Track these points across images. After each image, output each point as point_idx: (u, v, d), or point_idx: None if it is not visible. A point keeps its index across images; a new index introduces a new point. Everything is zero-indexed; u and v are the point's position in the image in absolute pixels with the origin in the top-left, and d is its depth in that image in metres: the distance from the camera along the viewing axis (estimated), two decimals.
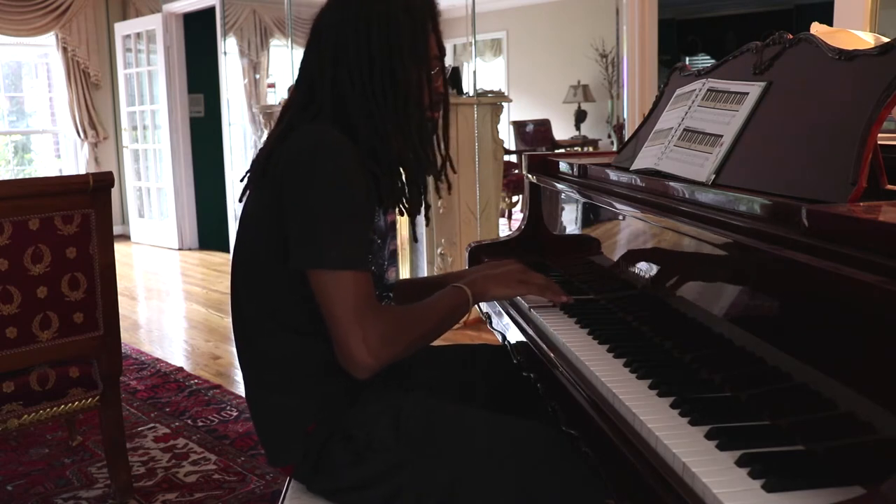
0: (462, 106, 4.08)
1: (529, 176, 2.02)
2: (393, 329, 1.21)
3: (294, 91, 1.38)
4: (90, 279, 2.05)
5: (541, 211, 2.01)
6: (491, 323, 1.69)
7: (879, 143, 1.02)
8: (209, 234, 6.92)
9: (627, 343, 1.28)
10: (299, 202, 1.21)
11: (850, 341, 0.84)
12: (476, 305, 1.54)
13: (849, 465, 0.82)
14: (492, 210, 4.26)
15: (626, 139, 1.79)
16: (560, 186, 1.83)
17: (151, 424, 2.84)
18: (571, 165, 1.79)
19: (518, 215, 7.55)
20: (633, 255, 1.45)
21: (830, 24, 2.62)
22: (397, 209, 1.42)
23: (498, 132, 4.30)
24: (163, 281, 5.84)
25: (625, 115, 5.00)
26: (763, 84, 1.23)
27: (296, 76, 1.41)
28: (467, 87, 4.53)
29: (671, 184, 1.29)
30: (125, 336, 3.56)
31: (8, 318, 1.92)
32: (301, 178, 1.21)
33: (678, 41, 10.03)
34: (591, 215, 1.70)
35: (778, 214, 0.98)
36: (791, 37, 1.25)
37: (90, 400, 2.12)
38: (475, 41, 4.75)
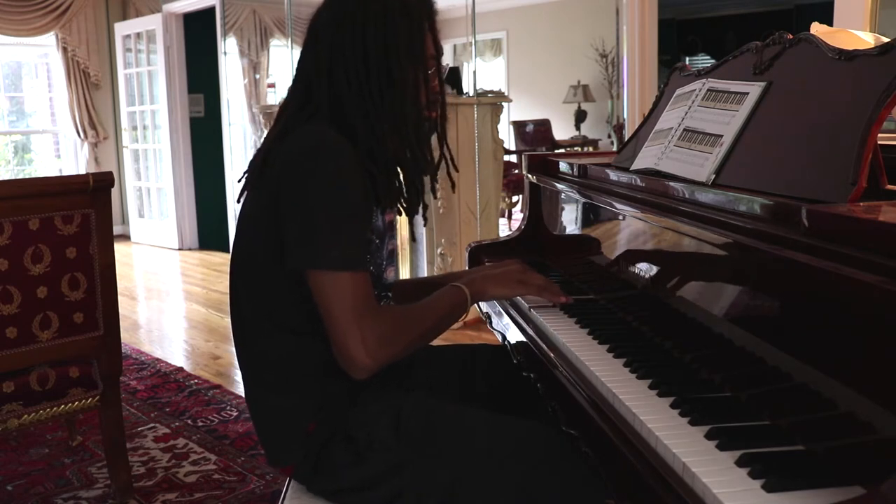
0: (462, 106, 4.08)
1: (529, 176, 2.02)
2: (391, 329, 1.21)
3: (291, 91, 1.38)
4: (90, 279, 2.05)
5: (541, 211, 2.01)
6: (491, 323, 1.69)
7: (879, 143, 1.02)
8: (209, 234, 6.93)
9: (627, 343, 1.28)
10: (297, 203, 1.21)
11: (850, 341, 0.84)
12: (476, 305, 1.54)
13: (849, 465, 0.82)
14: (492, 210, 4.26)
15: (626, 139, 1.79)
16: (560, 186, 1.83)
17: (151, 424, 2.85)
18: (571, 165, 1.79)
19: (518, 215, 7.55)
20: (633, 255, 1.45)
21: (830, 24, 2.62)
22: (395, 209, 1.42)
23: (498, 132, 4.30)
24: (163, 281, 5.84)
25: (625, 115, 5.00)
26: (763, 84, 1.23)
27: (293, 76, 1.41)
28: (467, 87, 4.53)
29: (671, 184, 1.29)
30: (125, 336, 3.56)
31: (8, 318, 1.92)
32: (298, 178, 1.21)
33: (678, 41, 10.03)
34: (591, 215, 1.70)
35: (778, 214, 0.98)
36: (791, 37, 1.25)
37: (90, 400, 2.12)
38: (475, 41, 4.75)
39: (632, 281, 1.42)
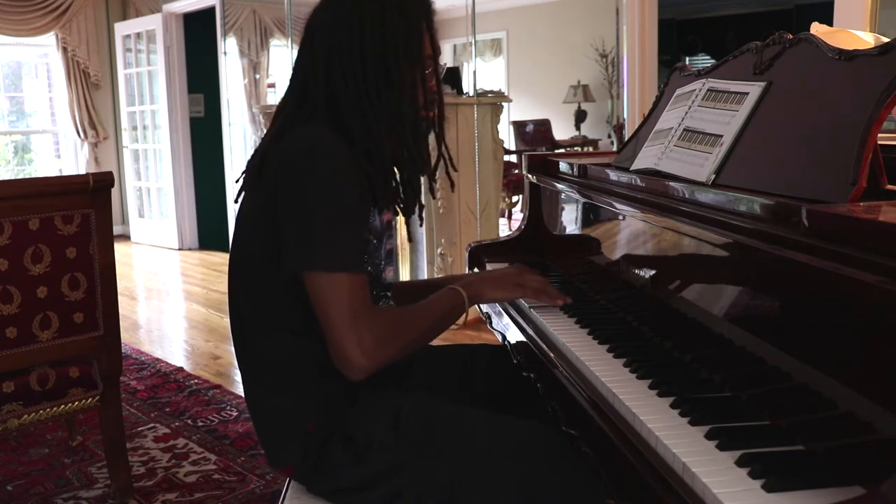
0: (462, 106, 4.08)
1: (529, 176, 2.02)
2: (388, 331, 1.21)
3: (288, 91, 1.37)
4: (90, 279, 2.05)
5: (541, 211, 2.01)
6: (491, 323, 1.69)
7: (879, 143, 1.02)
8: (209, 234, 6.92)
9: (627, 343, 1.28)
10: (294, 204, 1.21)
11: (850, 341, 0.84)
12: (476, 305, 1.54)
13: (849, 465, 0.82)
14: (492, 210, 4.26)
15: (626, 139, 1.79)
16: (560, 186, 1.83)
17: (151, 424, 2.84)
18: (571, 165, 1.79)
19: (518, 215, 7.55)
20: (633, 255, 1.45)
21: (830, 24, 2.62)
22: (393, 209, 1.42)
23: (498, 132, 4.29)
24: (163, 281, 5.84)
25: (625, 115, 5.00)
26: (763, 84, 1.23)
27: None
28: (467, 87, 4.53)
29: (671, 184, 1.29)
30: (125, 336, 3.56)
31: (8, 318, 1.92)
32: (295, 179, 1.21)
33: (678, 41, 10.03)
34: (591, 215, 1.70)
35: (778, 214, 0.98)
36: (791, 37, 1.25)
37: (90, 400, 2.12)
38: (475, 41, 4.75)
39: (632, 281, 1.42)
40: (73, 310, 2.03)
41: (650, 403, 1.03)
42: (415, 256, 4.09)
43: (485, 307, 1.71)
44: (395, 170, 1.35)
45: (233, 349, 1.41)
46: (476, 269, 2.01)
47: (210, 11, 6.40)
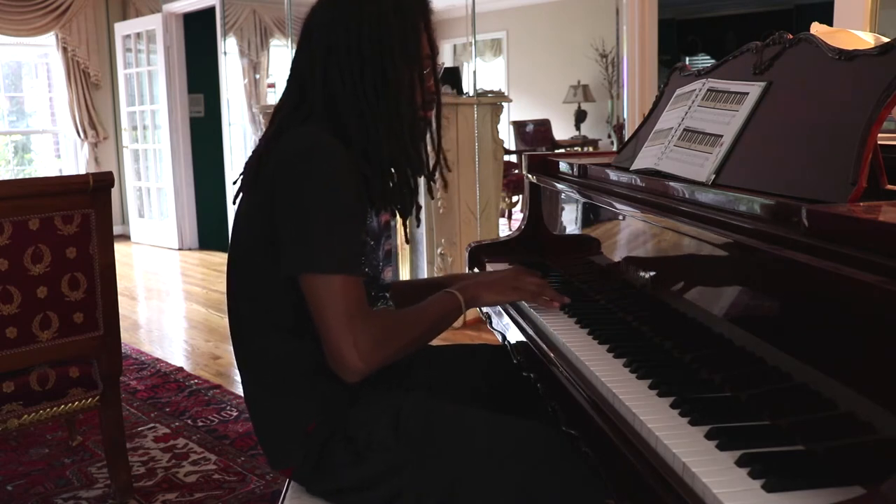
0: (462, 106, 4.08)
1: (529, 176, 2.02)
2: (383, 333, 1.21)
3: (285, 92, 1.37)
4: (90, 279, 2.05)
5: (541, 211, 2.01)
6: (491, 323, 1.69)
7: (879, 143, 1.02)
8: (209, 234, 6.92)
9: (627, 343, 1.28)
10: (291, 205, 1.21)
11: (850, 341, 0.84)
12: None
13: (849, 465, 0.82)
14: (492, 210, 4.26)
15: (626, 139, 1.79)
16: (560, 186, 1.83)
17: (151, 424, 2.85)
18: (571, 165, 1.79)
19: (518, 215, 7.55)
20: (633, 255, 1.45)
21: (830, 24, 2.62)
22: (390, 210, 1.41)
23: (498, 132, 4.30)
24: (163, 281, 5.84)
25: (625, 115, 5.00)
26: (763, 84, 1.23)
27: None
28: (467, 87, 4.53)
29: (671, 184, 1.29)
30: (125, 336, 3.56)
31: (8, 318, 1.92)
32: (292, 180, 1.21)
33: (678, 41, 10.03)
34: (591, 215, 1.70)
35: (778, 214, 0.98)
36: (791, 37, 1.25)
37: (90, 400, 2.12)
38: (475, 41, 4.75)
39: (632, 281, 1.42)
40: (73, 310, 2.03)
41: (650, 403, 1.03)
42: (415, 256, 4.09)
43: (485, 307, 1.71)
44: (393, 170, 1.35)
45: (232, 349, 1.41)
46: (476, 270, 2.01)
47: (210, 11, 6.41)
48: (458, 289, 1.37)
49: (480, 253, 2.02)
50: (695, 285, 1.23)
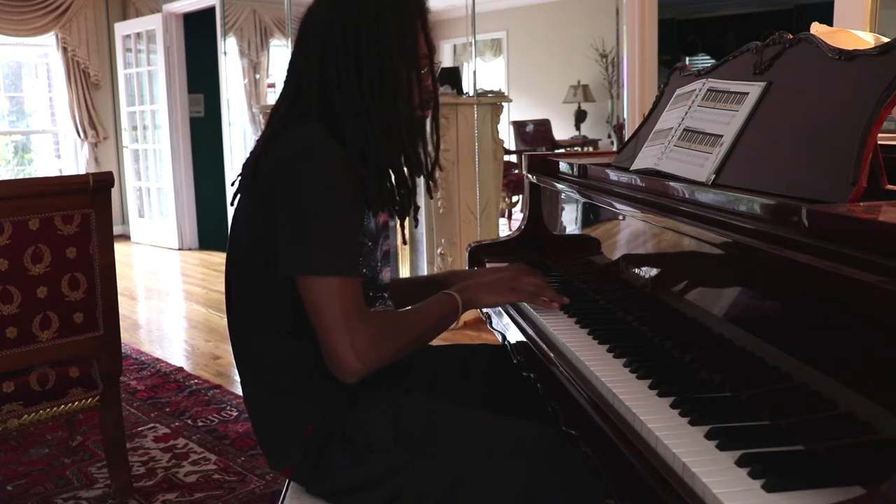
0: (462, 106, 4.08)
1: (529, 176, 2.02)
2: (381, 335, 1.21)
3: (282, 92, 1.37)
4: (90, 279, 2.05)
5: (541, 211, 2.01)
6: (491, 323, 1.69)
7: (879, 143, 1.02)
8: (209, 234, 6.93)
9: (627, 343, 1.28)
10: (287, 206, 1.20)
11: (850, 341, 0.84)
12: None
13: (849, 465, 0.82)
14: (492, 210, 4.26)
15: (626, 139, 1.79)
16: (560, 186, 1.83)
17: (151, 424, 2.85)
18: (571, 165, 1.79)
19: (518, 215, 7.55)
20: (633, 255, 1.45)
21: (830, 24, 2.62)
22: (387, 211, 1.41)
23: (498, 132, 4.30)
24: (163, 281, 5.84)
25: (625, 115, 5.00)
26: (763, 84, 1.23)
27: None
28: (467, 87, 4.53)
29: (671, 184, 1.29)
30: (125, 336, 3.56)
31: (8, 318, 1.92)
32: (289, 182, 1.20)
33: (678, 41, 10.03)
34: (591, 215, 1.70)
35: (778, 214, 0.98)
36: (791, 37, 1.25)
37: (90, 400, 2.12)
38: (475, 41, 4.75)
39: (632, 281, 1.42)
40: (73, 310, 2.03)
41: (650, 403, 1.03)
42: (415, 256, 4.09)
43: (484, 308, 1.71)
44: (390, 171, 1.35)
45: (231, 349, 1.41)
46: (476, 268, 2.01)
47: (210, 11, 6.41)
48: (457, 290, 1.37)
49: (480, 253, 2.02)
50: (695, 285, 1.23)
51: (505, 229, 6.38)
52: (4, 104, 7.52)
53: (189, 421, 2.86)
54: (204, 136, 6.82)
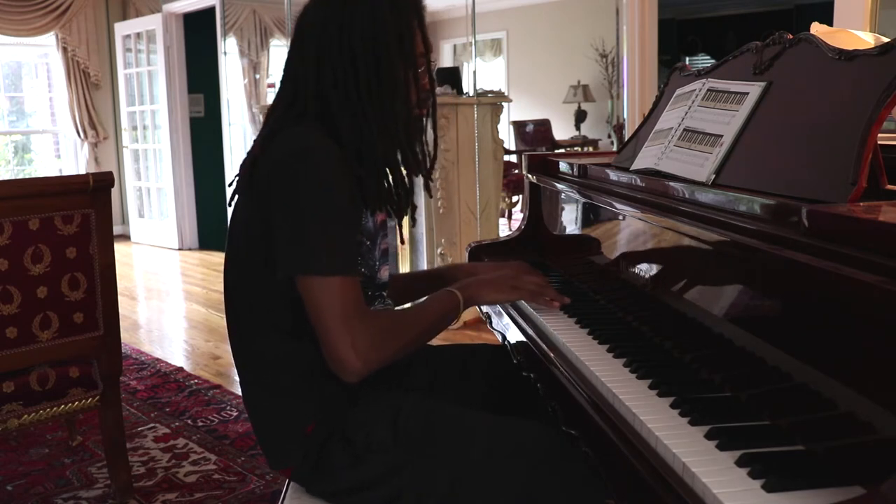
0: (462, 106, 4.08)
1: (529, 176, 2.02)
2: (382, 333, 1.21)
3: (279, 92, 1.36)
4: (90, 279, 2.05)
5: (541, 211, 2.01)
6: (491, 323, 1.69)
7: (879, 143, 1.02)
8: (209, 234, 6.93)
9: (627, 343, 1.28)
10: (284, 208, 1.20)
11: (850, 341, 0.84)
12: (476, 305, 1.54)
13: (849, 465, 0.82)
14: (492, 210, 4.26)
15: (626, 139, 1.79)
16: (560, 186, 1.83)
17: (151, 424, 2.85)
18: (571, 165, 1.79)
19: (518, 215, 7.55)
20: (633, 255, 1.45)
21: (830, 24, 2.62)
22: (385, 210, 1.40)
23: (498, 132, 4.30)
24: (163, 281, 5.84)
25: (625, 115, 5.00)
26: (763, 84, 1.23)
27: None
28: (467, 87, 4.53)
29: (671, 184, 1.29)
30: (125, 336, 3.56)
31: (8, 318, 1.92)
32: (285, 183, 1.20)
33: (678, 41, 10.03)
34: (591, 215, 1.70)
35: (778, 214, 0.98)
36: (791, 37, 1.25)
37: (90, 400, 2.12)
38: (475, 41, 4.75)
39: (632, 281, 1.42)
40: (73, 310, 2.03)
41: (650, 403, 1.03)
42: (415, 256, 4.09)
43: (485, 307, 1.71)
44: (388, 170, 1.34)
45: (230, 350, 1.40)
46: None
47: (210, 11, 6.41)
48: (458, 287, 1.37)
49: (480, 253, 2.02)
50: (695, 285, 1.23)
51: (505, 229, 6.38)
52: (4, 104, 7.52)
53: (189, 421, 2.86)
54: (204, 136, 6.82)
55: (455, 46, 9.57)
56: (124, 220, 7.58)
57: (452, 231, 4.08)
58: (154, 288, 5.60)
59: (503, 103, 4.38)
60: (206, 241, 6.98)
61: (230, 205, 1.38)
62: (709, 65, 1.51)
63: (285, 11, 5.69)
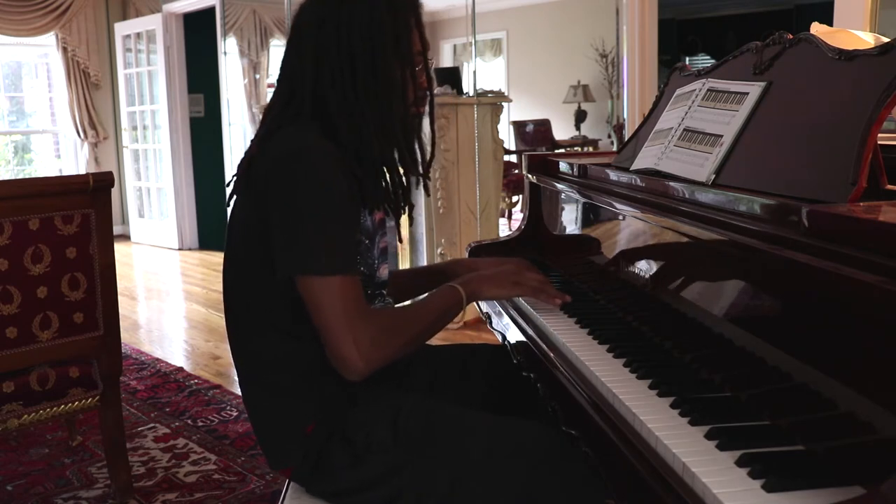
0: (462, 106, 4.08)
1: (529, 176, 2.02)
2: (384, 331, 1.21)
3: (275, 91, 1.36)
4: (90, 279, 2.05)
5: (541, 211, 2.01)
6: (491, 323, 1.69)
7: (879, 143, 1.02)
8: (209, 234, 6.93)
9: (627, 343, 1.28)
10: (282, 208, 1.20)
11: (850, 341, 0.84)
12: (476, 305, 1.54)
13: (849, 465, 0.82)
14: (492, 210, 4.26)
15: (626, 139, 1.79)
16: (560, 186, 1.83)
17: (151, 424, 2.84)
18: (571, 165, 1.79)
19: (518, 215, 7.55)
20: (633, 255, 1.45)
21: (830, 24, 2.62)
22: (383, 209, 1.40)
23: (498, 132, 4.30)
24: (163, 281, 5.84)
25: (625, 115, 5.00)
26: (763, 84, 1.23)
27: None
28: (467, 87, 4.53)
29: (671, 184, 1.29)
30: (125, 336, 3.56)
31: (8, 318, 1.92)
32: (283, 184, 1.20)
33: (678, 41, 10.03)
34: (591, 215, 1.70)
35: (778, 214, 0.98)
36: (791, 37, 1.25)
37: (90, 400, 2.12)
38: (475, 41, 4.75)
39: (632, 281, 1.42)
40: (73, 310, 2.03)
41: (650, 403, 1.03)
42: (415, 256, 4.09)
43: (485, 307, 1.71)
44: (385, 170, 1.34)
45: (230, 349, 1.40)
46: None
47: (210, 11, 6.41)
48: (460, 283, 1.36)
49: (480, 253, 2.02)
50: (695, 285, 1.23)
51: (505, 229, 6.38)
52: (4, 104, 7.52)
53: (189, 421, 2.86)
54: (204, 136, 6.82)
55: (455, 46, 9.57)
56: (124, 220, 7.58)
57: (452, 231, 4.08)
58: (154, 288, 5.60)
59: (503, 103, 4.38)
60: (206, 241, 6.98)
61: (228, 205, 1.38)
62: (709, 65, 1.51)
63: (285, 11, 5.69)
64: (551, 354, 1.31)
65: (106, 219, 2.06)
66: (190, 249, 6.97)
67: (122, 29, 7.09)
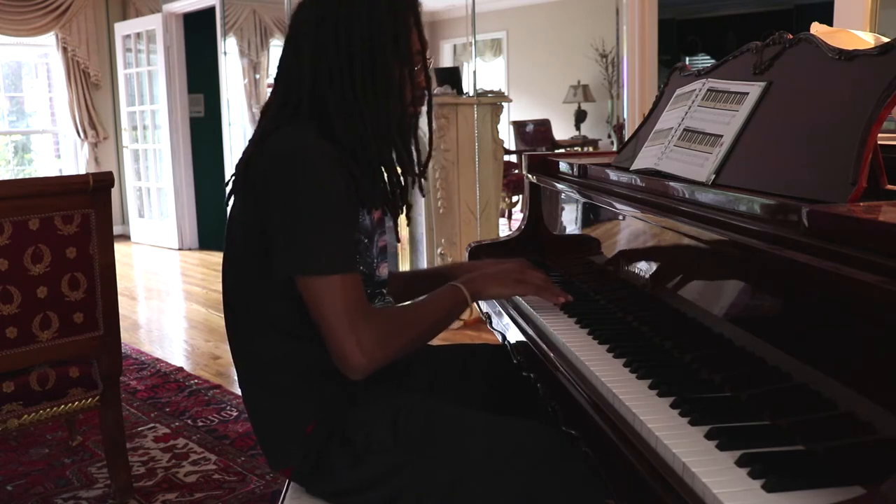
0: (462, 106, 4.08)
1: (529, 176, 2.02)
2: (387, 330, 1.21)
3: (273, 91, 1.36)
4: (90, 279, 2.05)
5: (541, 211, 2.01)
6: (491, 323, 1.69)
7: (879, 143, 1.02)
8: (209, 234, 6.93)
9: (627, 343, 1.28)
10: (282, 208, 1.20)
11: (850, 341, 0.84)
12: (476, 305, 1.53)
13: (849, 465, 0.82)
14: (492, 210, 4.26)
15: (626, 139, 1.79)
16: (560, 186, 1.83)
17: (151, 424, 2.84)
18: (571, 165, 1.79)
19: (518, 215, 7.55)
20: (633, 255, 1.45)
21: (830, 24, 2.62)
22: (381, 208, 1.40)
23: (498, 132, 4.30)
24: (163, 281, 5.84)
25: (625, 115, 5.00)
26: (763, 84, 1.23)
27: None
28: (467, 87, 4.53)
29: (671, 184, 1.29)
30: (125, 336, 3.56)
31: (8, 318, 1.92)
32: (281, 184, 1.20)
33: (678, 41, 10.03)
34: (591, 215, 1.70)
35: (778, 214, 0.98)
36: (791, 37, 1.25)
37: (90, 400, 2.12)
38: (475, 41, 4.75)
39: (632, 281, 1.42)
40: (73, 310, 2.03)
41: (650, 403, 1.03)
42: (415, 256, 4.09)
43: (485, 307, 1.71)
44: (382, 170, 1.34)
45: (230, 350, 1.40)
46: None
47: (210, 11, 6.41)
48: (463, 282, 1.36)
49: (480, 253, 2.02)
50: (695, 285, 1.23)
51: (505, 229, 6.38)
52: (4, 104, 7.52)
53: (189, 421, 2.86)
54: (204, 136, 6.82)
55: (455, 46, 9.57)
56: (124, 220, 7.58)
57: (452, 231, 4.08)
58: (154, 288, 5.60)
59: (503, 103, 4.38)
60: (206, 241, 6.98)
61: (227, 205, 1.38)
62: (709, 65, 1.51)
63: (285, 11, 5.69)
64: (551, 354, 1.31)
65: (106, 219, 2.06)
66: (190, 249, 6.97)
67: (122, 29, 7.09)
